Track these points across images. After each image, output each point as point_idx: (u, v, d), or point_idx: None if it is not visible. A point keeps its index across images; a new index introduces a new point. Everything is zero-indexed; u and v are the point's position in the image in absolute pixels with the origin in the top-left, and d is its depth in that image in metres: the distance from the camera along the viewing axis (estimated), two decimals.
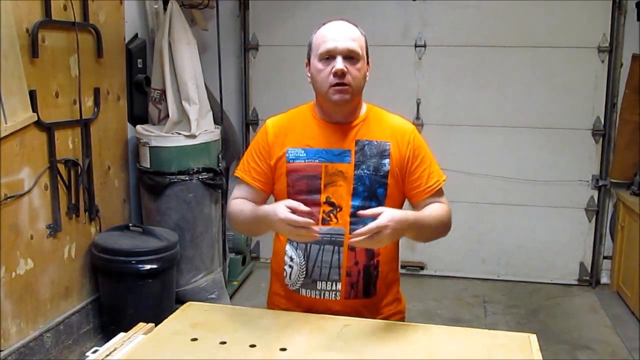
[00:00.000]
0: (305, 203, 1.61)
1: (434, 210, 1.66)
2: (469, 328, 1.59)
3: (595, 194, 4.18)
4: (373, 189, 1.65)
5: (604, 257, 4.22)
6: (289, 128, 1.72)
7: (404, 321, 1.75)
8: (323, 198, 1.65)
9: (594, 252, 4.23)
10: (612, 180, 4.11)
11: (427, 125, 4.25)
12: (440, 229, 1.67)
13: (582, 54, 4.04)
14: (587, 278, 4.25)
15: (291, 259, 1.69)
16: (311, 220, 1.48)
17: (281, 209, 1.50)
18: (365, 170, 1.65)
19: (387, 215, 1.47)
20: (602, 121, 4.08)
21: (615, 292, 4.09)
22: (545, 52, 4.06)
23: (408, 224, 1.53)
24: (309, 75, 1.68)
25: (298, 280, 1.68)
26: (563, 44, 4.04)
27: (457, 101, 4.23)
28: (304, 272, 1.67)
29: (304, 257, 1.66)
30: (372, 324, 1.58)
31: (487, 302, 3.99)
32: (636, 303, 3.66)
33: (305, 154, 1.67)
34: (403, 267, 4.35)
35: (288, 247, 1.70)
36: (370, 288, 1.68)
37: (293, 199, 1.63)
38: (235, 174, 1.79)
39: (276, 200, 1.73)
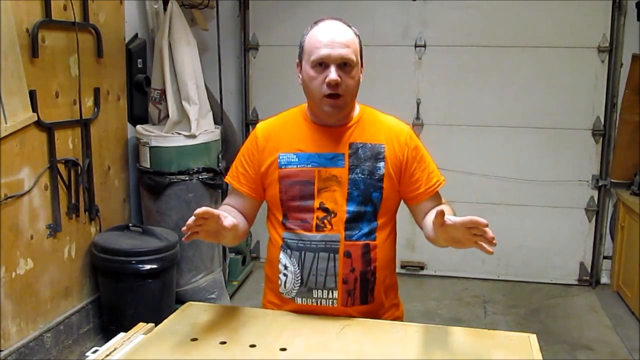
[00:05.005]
0: (299, 209, 1.61)
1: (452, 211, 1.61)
2: (469, 328, 1.58)
3: (595, 194, 4.18)
4: (368, 193, 1.61)
5: (604, 257, 4.22)
6: (280, 132, 1.68)
7: None
8: (317, 204, 1.61)
9: (594, 252, 4.23)
10: (612, 180, 4.11)
11: (427, 125, 4.25)
12: None
13: (582, 54, 4.03)
14: (587, 278, 4.25)
15: (285, 267, 1.64)
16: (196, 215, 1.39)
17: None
18: (360, 174, 1.61)
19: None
20: (602, 121, 4.08)
21: (615, 292, 4.09)
22: (545, 52, 4.06)
23: None
24: (300, 77, 1.62)
25: (293, 289, 1.63)
26: (563, 44, 4.04)
27: (457, 101, 4.23)
28: (299, 281, 1.62)
29: (298, 265, 1.61)
30: (372, 324, 1.58)
31: (487, 302, 3.99)
32: (636, 303, 3.66)
33: (297, 159, 1.63)
34: (403, 267, 4.35)
35: (282, 255, 1.65)
36: (368, 295, 1.64)
37: (286, 206, 1.63)
38: (225, 180, 1.76)
39: (269, 207, 1.70)
